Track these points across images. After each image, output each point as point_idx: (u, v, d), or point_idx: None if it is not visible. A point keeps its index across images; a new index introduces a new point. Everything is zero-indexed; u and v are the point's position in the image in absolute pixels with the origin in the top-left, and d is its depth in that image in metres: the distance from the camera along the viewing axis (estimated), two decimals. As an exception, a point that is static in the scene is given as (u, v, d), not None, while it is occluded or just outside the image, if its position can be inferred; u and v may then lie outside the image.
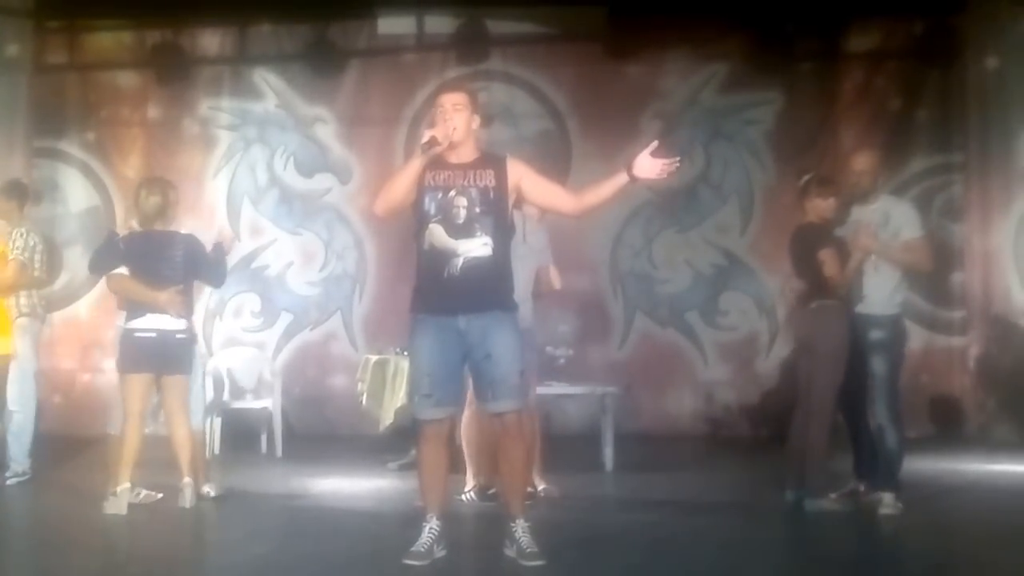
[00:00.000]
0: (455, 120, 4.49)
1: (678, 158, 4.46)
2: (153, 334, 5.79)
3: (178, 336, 5.85)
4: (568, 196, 4.65)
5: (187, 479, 5.81)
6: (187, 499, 5.78)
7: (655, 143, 4.43)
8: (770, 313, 9.40)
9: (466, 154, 4.55)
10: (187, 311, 5.94)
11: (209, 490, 6.06)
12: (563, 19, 9.56)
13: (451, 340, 4.48)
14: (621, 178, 4.44)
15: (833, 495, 5.78)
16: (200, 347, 6.07)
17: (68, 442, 7.89)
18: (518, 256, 4.88)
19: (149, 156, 9.88)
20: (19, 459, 6.59)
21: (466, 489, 6.13)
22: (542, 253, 6.15)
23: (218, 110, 9.93)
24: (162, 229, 5.91)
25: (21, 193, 6.99)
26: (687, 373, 9.53)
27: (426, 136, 4.44)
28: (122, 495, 5.66)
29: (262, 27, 9.89)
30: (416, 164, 4.44)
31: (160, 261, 5.85)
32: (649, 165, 4.40)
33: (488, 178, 4.51)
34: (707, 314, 9.54)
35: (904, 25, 9.45)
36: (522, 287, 5.71)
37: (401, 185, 4.45)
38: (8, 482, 6.51)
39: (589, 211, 4.60)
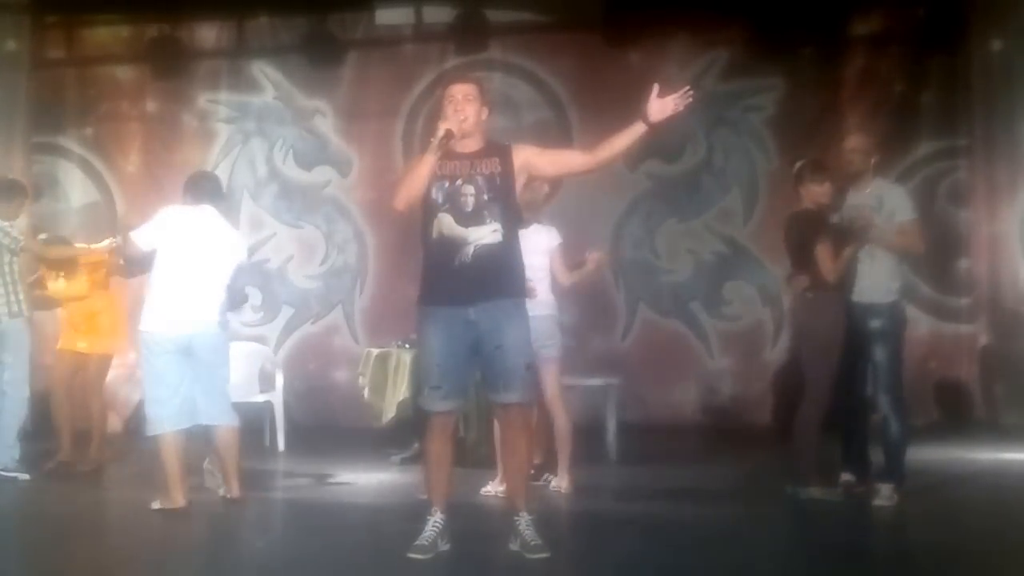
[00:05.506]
0: (467, 110, 4.47)
1: (689, 88, 4.36)
2: None
3: None
4: (580, 155, 4.64)
5: None
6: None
7: (655, 86, 4.36)
8: (774, 302, 9.30)
9: (472, 144, 4.54)
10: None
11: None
12: (562, 7, 9.50)
13: (460, 331, 4.45)
14: (638, 127, 4.37)
15: (828, 487, 5.70)
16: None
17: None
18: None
19: (148, 151, 9.87)
20: None
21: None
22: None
23: (216, 103, 9.90)
24: None
25: (10, 192, 6.96)
26: (691, 363, 9.45)
27: (441, 130, 4.41)
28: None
29: (260, 20, 9.85)
30: (431, 158, 4.42)
31: None
32: (660, 106, 4.34)
33: (493, 165, 4.50)
34: (711, 304, 9.46)
35: (907, 9, 9.35)
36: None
37: (420, 180, 4.43)
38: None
39: (605, 165, 4.54)
